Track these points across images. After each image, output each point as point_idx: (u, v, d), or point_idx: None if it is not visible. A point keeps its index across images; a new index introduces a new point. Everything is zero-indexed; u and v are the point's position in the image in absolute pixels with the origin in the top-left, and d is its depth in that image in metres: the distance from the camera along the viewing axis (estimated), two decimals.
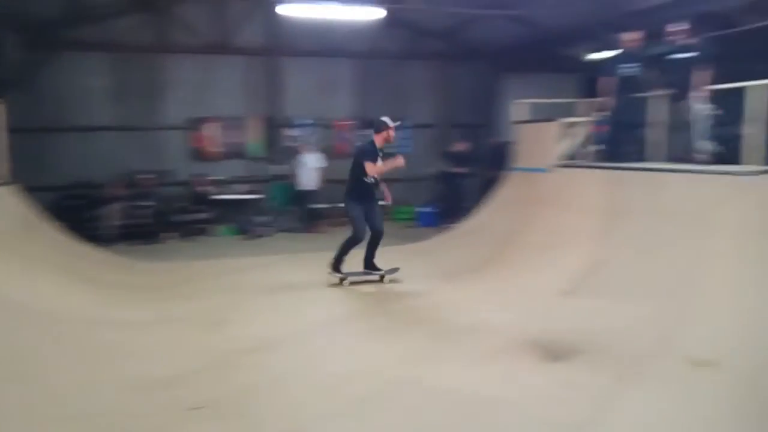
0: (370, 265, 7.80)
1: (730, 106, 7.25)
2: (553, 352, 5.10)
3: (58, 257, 7.79)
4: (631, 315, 5.67)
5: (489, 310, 6.41)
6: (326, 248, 10.26)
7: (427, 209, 13.52)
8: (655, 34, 10.31)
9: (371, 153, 7.40)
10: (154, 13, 12.45)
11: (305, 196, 12.51)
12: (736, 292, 5.33)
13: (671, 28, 7.82)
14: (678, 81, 7.71)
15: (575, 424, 3.92)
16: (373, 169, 7.33)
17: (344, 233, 7.74)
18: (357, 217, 7.48)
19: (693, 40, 7.67)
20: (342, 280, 7.62)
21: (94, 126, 12.24)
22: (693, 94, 7.52)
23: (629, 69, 8.09)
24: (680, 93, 7.73)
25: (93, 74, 12.22)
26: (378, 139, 7.48)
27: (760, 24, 8.94)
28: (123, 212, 11.46)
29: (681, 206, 6.46)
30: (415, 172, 14.32)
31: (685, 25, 7.73)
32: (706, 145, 7.37)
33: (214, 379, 4.81)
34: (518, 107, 10.54)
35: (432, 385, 4.60)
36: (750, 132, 7.01)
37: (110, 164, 12.09)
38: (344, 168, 7.84)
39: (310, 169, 12.43)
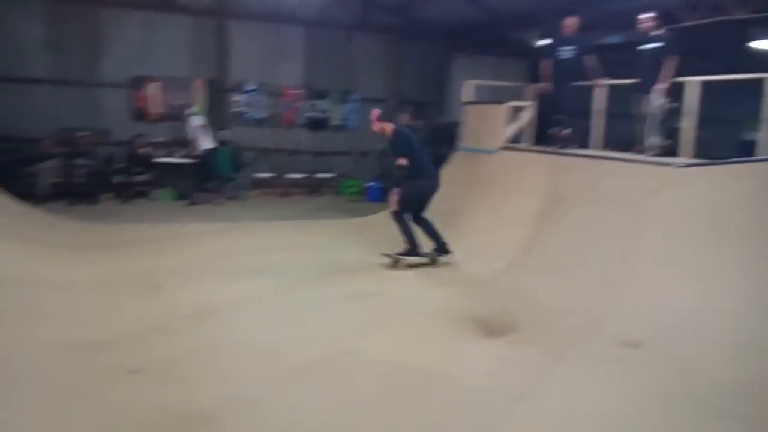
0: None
1: (678, 100, 7.41)
2: (488, 329, 5.29)
3: None
4: (565, 295, 5.95)
5: (428, 286, 6.56)
6: (268, 217, 10.32)
7: (374, 184, 13.56)
8: (598, 24, 10.53)
9: None
10: None
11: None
12: (664, 277, 5.65)
13: (641, 16, 7.69)
14: (643, 72, 7.67)
15: (506, 396, 4.09)
16: None
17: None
18: None
19: (660, 31, 7.59)
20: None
21: (27, 77, 11.58)
22: (657, 87, 7.42)
23: (565, 53, 8.23)
24: (644, 84, 7.67)
25: (28, 23, 11.53)
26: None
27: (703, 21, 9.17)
28: (58, 170, 11.00)
29: (618, 193, 6.73)
30: (363, 146, 14.41)
31: (652, 15, 7.62)
32: (656, 140, 7.45)
33: (151, 343, 4.77)
34: (468, 88, 10.65)
35: (368, 357, 4.67)
36: (685, 126, 7.39)
37: (44, 119, 11.47)
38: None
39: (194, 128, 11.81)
